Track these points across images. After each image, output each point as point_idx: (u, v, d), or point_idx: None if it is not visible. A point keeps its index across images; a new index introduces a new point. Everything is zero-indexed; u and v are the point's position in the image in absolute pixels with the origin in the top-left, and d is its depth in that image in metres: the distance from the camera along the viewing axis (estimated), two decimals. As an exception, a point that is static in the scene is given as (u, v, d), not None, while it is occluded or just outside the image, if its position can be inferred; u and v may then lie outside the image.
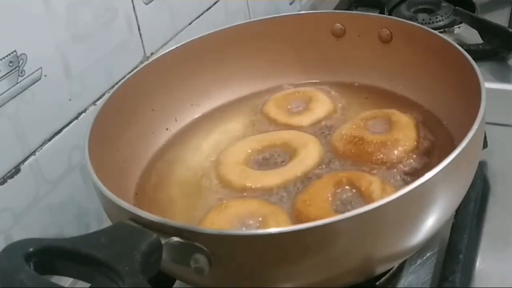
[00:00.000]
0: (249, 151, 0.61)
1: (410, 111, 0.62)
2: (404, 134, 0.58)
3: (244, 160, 0.60)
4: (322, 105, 0.66)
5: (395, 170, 0.56)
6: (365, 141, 0.58)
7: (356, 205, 0.52)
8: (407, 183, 0.53)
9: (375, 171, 0.56)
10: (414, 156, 0.57)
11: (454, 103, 0.59)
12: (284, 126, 0.65)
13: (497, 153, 0.65)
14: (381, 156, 0.57)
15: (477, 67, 0.55)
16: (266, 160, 0.60)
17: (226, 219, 0.52)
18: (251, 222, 0.51)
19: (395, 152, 0.57)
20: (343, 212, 0.49)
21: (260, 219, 0.51)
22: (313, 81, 0.71)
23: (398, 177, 0.55)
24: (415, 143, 0.58)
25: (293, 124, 0.65)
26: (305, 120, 0.65)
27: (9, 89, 0.56)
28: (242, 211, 0.52)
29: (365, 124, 0.61)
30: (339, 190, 0.53)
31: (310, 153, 0.59)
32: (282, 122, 0.65)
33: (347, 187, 0.53)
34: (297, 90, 0.69)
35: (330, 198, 0.52)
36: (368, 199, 0.51)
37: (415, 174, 0.55)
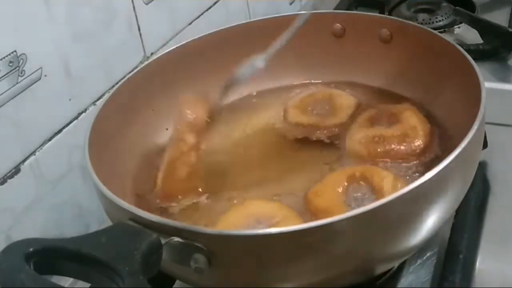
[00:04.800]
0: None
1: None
2: (419, 121, 0.59)
3: None
4: (347, 99, 0.66)
5: (410, 164, 0.56)
6: (385, 137, 0.58)
7: (367, 200, 0.52)
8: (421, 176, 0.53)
9: (389, 166, 0.56)
10: (427, 151, 0.57)
11: (454, 103, 0.59)
12: (324, 127, 0.63)
13: (497, 153, 0.65)
14: (402, 148, 0.57)
15: (477, 67, 0.55)
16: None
17: (242, 217, 0.51)
18: (262, 225, 0.51)
19: (416, 143, 0.57)
20: (353, 206, 0.50)
21: (274, 221, 0.51)
22: (313, 81, 0.71)
23: (414, 170, 0.55)
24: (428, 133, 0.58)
25: (336, 122, 0.63)
26: (343, 114, 0.64)
27: (9, 89, 0.56)
28: (259, 212, 0.52)
29: (371, 123, 0.61)
30: (352, 184, 0.53)
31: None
32: (321, 125, 0.63)
33: (360, 181, 0.53)
34: (311, 93, 0.68)
35: (340, 191, 0.52)
36: (378, 194, 0.51)
37: (431, 166, 0.55)
